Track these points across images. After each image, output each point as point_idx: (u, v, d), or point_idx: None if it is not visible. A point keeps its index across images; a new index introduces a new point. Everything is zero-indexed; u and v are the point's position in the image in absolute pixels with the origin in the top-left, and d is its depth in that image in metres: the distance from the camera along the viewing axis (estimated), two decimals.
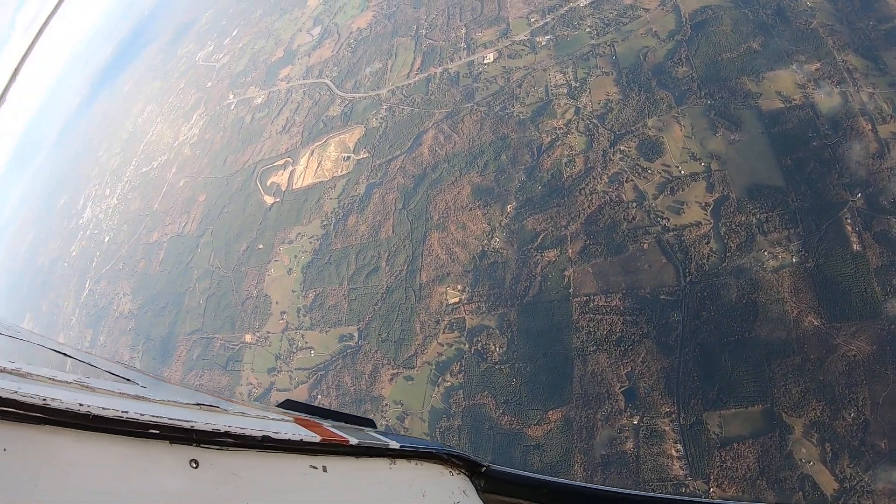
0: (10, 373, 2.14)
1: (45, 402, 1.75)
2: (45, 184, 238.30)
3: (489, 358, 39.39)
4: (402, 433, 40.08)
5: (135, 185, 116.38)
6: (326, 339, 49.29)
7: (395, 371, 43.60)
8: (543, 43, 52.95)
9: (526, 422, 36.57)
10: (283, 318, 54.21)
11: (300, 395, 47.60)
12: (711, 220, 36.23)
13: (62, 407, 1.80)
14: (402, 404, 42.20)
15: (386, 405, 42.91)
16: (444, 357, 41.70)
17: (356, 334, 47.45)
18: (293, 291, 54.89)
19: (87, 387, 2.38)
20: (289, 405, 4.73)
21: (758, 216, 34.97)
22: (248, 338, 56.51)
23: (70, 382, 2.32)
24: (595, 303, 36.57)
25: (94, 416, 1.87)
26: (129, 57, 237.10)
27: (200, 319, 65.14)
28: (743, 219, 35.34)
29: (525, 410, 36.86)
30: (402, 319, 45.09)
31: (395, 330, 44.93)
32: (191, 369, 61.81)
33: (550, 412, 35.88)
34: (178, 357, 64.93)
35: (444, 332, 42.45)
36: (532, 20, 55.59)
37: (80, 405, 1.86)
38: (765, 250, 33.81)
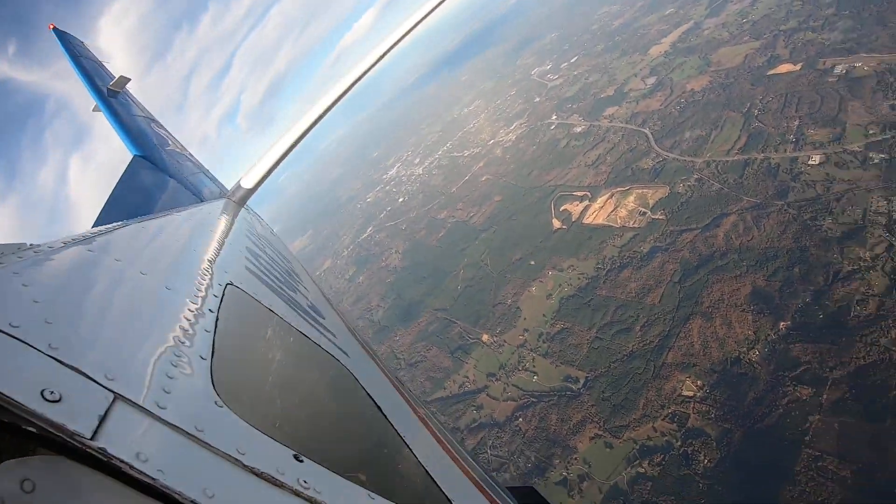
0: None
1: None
2: (367, 135, 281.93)
3: (693, 466, 39.27)
4: (571, 496, 43.07)
5: (442, 165, 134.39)
6: (552, 372, 53.46)
7: (600, 433, 45.61)
8: (876, 161, 49.67)
9: None
10: (523, 335, 60.02)
11: (505, 410, 53.17)
12: None
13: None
14: (589, 466, 44.00)
15: (574, 458, 45.13)
16: (651, 443, 42.48)
17: (582, 381, 50.60)
18: (543, 315, 60.33)
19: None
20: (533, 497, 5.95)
21: None
22: (485, 337, 64.02)
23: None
24: (826, 464, 34.65)
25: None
26: (473, 51, 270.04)
27: (451, 302, 75.39)
28: None
29: None
30: (630, 388, 47.07)
31: (620, 395, 47.03)
32: (422, 339, 72.21)
33: None
34: (418, 325, 76.12)
35: (663, 419, 43.28)
36: (870, 132, 52.50)
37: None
38: None
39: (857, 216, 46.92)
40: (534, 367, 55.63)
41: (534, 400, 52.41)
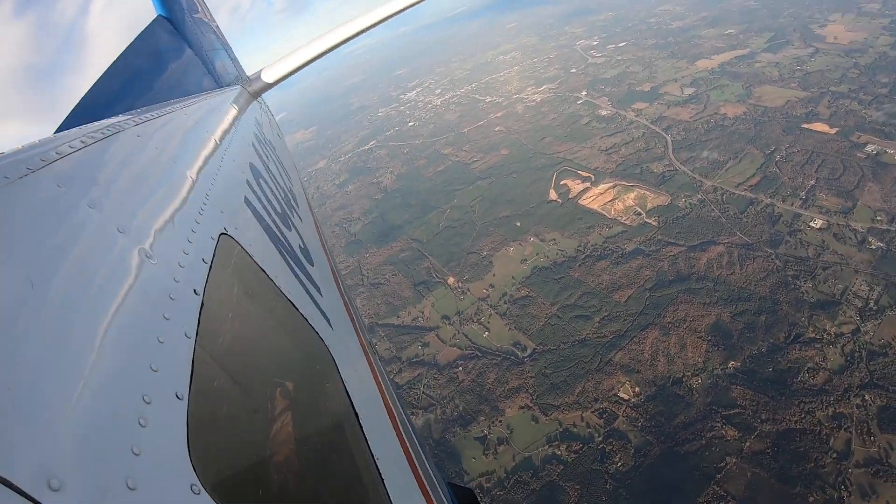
0: None
1: None
2: (397, 51, 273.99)
3: (607, 464, 39.35)
4: (485, 455, 43.14)
5: (461, 103, 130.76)
6: (504, 334, 52.82)
7: (531, 405, 45.42)
8: (873, 246, 49.27)
9: None
10: (487, 290, 59.14)
11: (449, 356, 52.73)
12: None
13: None
14: (511, 432, 43.93)
15: (499, 421, 45.00)
16: (575, 430, 42.40)
17: (529, 351, 50.08)
18: (512, 278, 59.36)
19: None
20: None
21: None
22: (450, 280, 63.07)
23: None
24: None
25: None
26: (527, 3, 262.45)
27: (429, 237, 74.15)
28: None
29: None
30: (572, 372, 46.64)
31: (561, 375, 46.65)
32: (391, 263, 71.19)
33: None
34: (390, 248, 74.96)
35: (592, 412, 43.07)
36: (877, 218, 51.96)
37: None
38: None
39: (837, 291, 46.52)
40: (488, 322, 54.96)
41: (478, 354, 51.94)
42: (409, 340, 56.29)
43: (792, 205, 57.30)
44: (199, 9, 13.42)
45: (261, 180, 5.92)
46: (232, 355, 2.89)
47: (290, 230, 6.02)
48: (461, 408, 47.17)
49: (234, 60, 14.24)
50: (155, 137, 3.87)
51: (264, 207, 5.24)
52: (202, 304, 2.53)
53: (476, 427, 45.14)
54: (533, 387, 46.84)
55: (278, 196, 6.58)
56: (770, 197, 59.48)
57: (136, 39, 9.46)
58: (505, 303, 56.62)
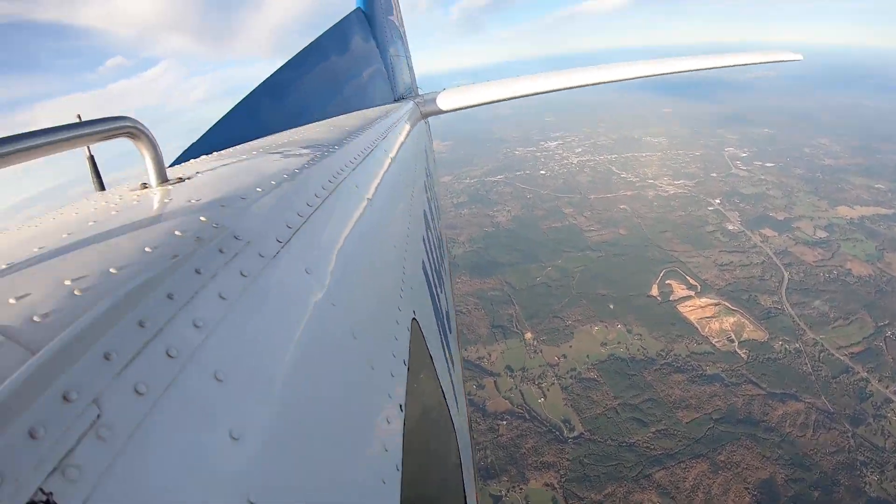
0: None
1: None
2: (552, 98, 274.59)
3: None
4: None
5: (596, 169, 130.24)
6: (559, 407, 52.10)
7: (556, 486, 44.48)
8: None
9: None
10: (559, 358, 58.52)
11: (498, 405, 52.68)
12: None
13: None
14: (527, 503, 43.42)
15: (520, 488, 44.45)
16: None
17: (576, 434, 49.05)
18: (587, 356, 58.39)
19: None
20: None
21: None
22: (528, 335, 62.92)
23: None
24: None
25: None
26: (688, 94, 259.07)
27: (523, 286, 74.42)
28: None
29: None
30: (608, 471, 45.18)
31: (596, 469, 45.28)
32: (477, 297, 71.94)
33: None
34: (482, 282, 75.78)
35: None
36: None
37: None
38: None
39: None
40: (548, 390, 54.41)
41: (527, 416, 51.50)
42: (467, 376, 55.96)
43: (887, 387, 52.94)
44: (395, 12, 13.71)
45: (429, 232, 5.28)
46: (421, 485, 2.51)
47: (442, 292, 5.30)
48: (489, 460, 46.98)
49: (411, 70, 14.35)
50: (368, 191, 3.35)
51: (431, 271, 4.59)
52: (404, 422, 2.19)
53: (496, 485, 44.85)
54: (566, 469, 45.92)
55: (436, 249, 5.76)
56: (868, 371, 55.14)
57: (334, 27, 9.50)
58: (571, 377, 55.72)
